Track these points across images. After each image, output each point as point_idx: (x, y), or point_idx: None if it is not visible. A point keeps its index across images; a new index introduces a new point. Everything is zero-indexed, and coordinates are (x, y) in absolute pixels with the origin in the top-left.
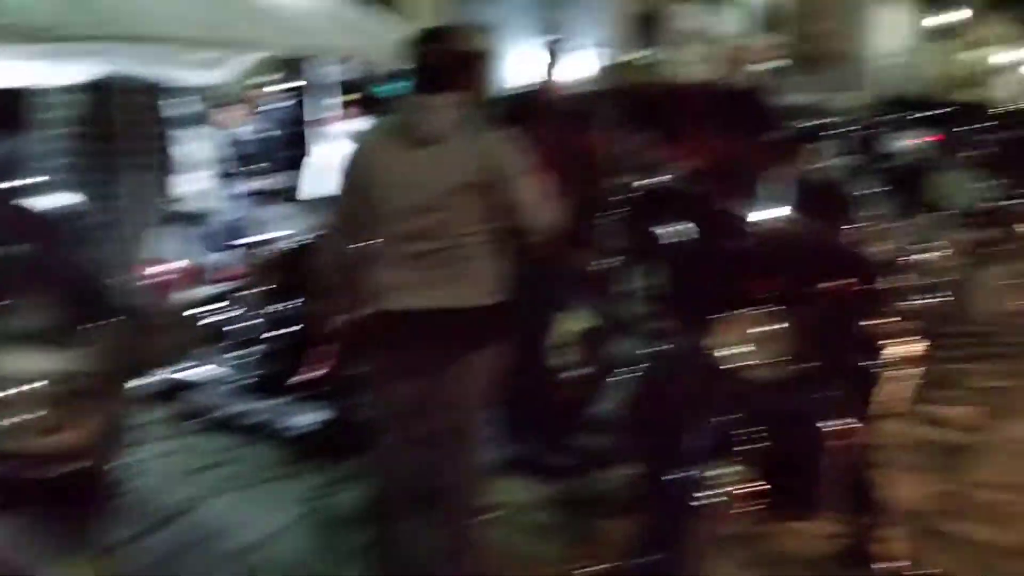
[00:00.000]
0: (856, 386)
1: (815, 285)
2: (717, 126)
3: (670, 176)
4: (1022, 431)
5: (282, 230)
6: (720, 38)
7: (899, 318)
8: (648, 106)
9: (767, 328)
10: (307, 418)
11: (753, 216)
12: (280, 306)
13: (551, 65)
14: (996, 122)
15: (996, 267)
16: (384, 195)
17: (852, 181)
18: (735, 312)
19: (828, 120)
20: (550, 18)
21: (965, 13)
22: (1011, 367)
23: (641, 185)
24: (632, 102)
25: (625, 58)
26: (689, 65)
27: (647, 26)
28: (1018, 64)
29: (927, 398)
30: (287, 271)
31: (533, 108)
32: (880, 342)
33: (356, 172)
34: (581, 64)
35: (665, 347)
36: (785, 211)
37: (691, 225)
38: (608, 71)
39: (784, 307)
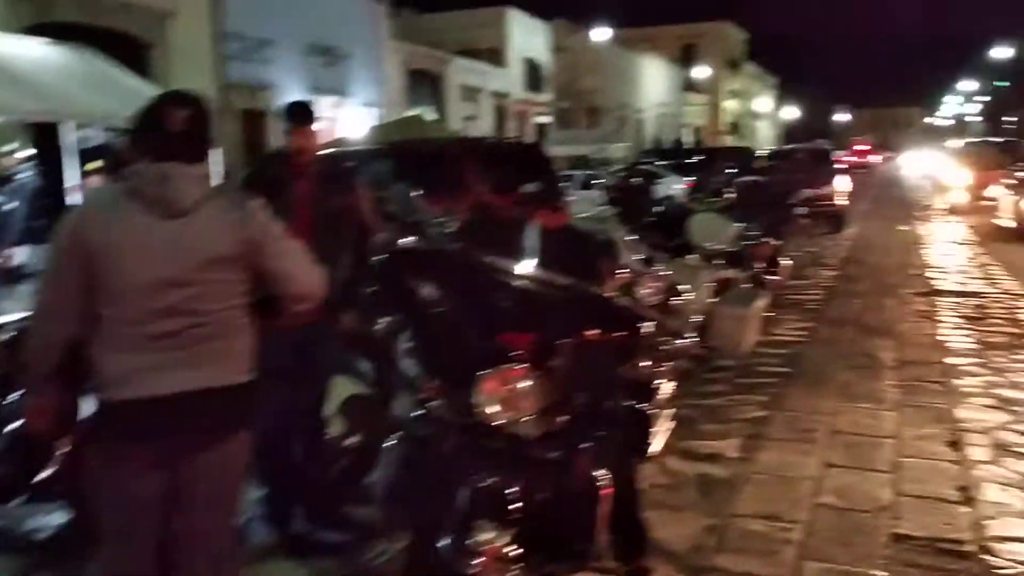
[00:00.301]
0: (624, 430)
1: (575, 336)
2: (490, 179)
3: (432, 234)
4: (779, 459)
5: (11, 312)
6: (496, 94)
7: (661, 360)
8: (421, 162)
9: (531, 382)
10: (43, 521)
11: (515, 269)
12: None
13: (302, 126)
14: (745, 166)
15: (745, 303)
16: (116, 269)
17: (615, 228)
18: (499, 368)
19: (596, 170)
20: (323, 77)
21: (715, 67)
22: (766, 398)
23: (403, 244)
24: (405, 158)
25: (401, 115)
26: (465, 120)
27: (423, 83)
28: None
29: (690, 435)
30: (7, 359)
31: (290, 170)
32: (644, 385)
33: (76, 244)
34: (355, 122)
35: (431, 409)
36: (546, 262)
37: (451, 282)
38: (382, 128)
39: (546, 359)
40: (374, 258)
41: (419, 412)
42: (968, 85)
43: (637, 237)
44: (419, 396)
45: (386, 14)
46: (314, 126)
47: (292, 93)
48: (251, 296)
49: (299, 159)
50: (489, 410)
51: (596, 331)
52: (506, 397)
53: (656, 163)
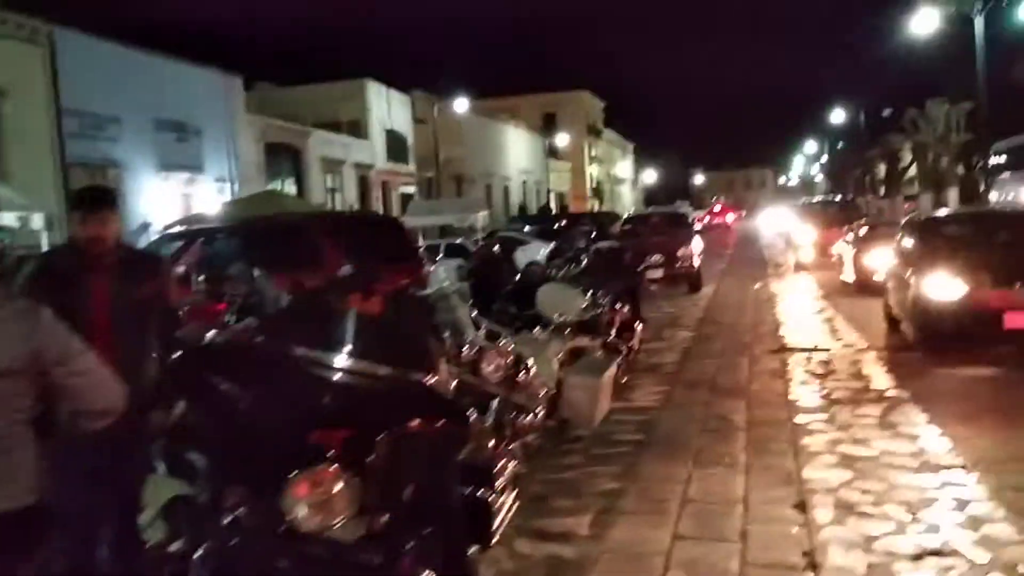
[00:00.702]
0: (458, 522)
1: (394, 429)
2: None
3: (241, 325)
4: (630, 534)
5: None
6: (359, 165)
7: (505, 439)
8: (272, 238)
9: (345, 482)
10: None
11: (330, 360)
12: None
13: (97, 212)
14: (605, 231)
15: (595, 372)
16: None
17: (460, 303)
18: (310, 469)
19: (458, 240)
20: (174, 153)
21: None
22: (619, 468)
23: (199, 339)
24: (254, 235)
25: (257, 190)
26: (328, 192)
27: (282, 156)
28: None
29: (541, 513)
30: None
31: (83, 263)
32: (482, 470)
33: None
34: (209, 198)
35: (238, 517)
36: (367, 351)
37: (256, 378)
38: (236, 204)
39: (362, 456)
40: (171, 357)
41: (226, 519)
42: (812, 147)
43: (494, 308)
44: (225, 503)
45: (241, 88)
46: (111, 212)
47: (141, 171)
48: (37, 411)
49: (94, 250)
50: (300, 515)
51: (417, 422)
52: (318, 500)
53: (522, 229)
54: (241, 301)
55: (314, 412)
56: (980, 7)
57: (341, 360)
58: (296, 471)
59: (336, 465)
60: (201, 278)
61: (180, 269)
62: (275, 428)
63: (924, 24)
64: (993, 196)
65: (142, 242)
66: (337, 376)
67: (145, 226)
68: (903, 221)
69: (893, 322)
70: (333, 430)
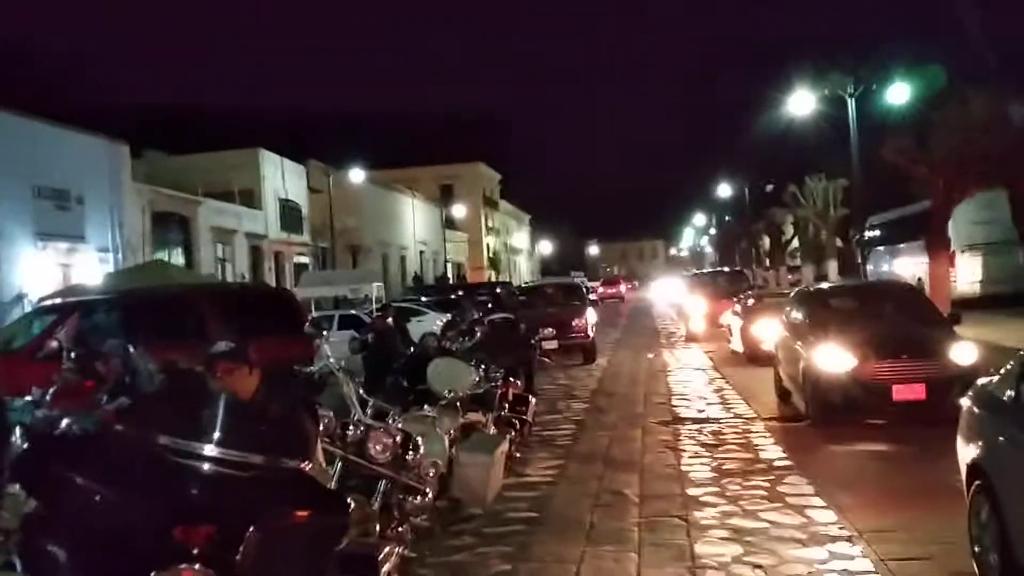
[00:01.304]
0: None
1: (264, 522)
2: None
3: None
4: None
5: None
6: (251, 235)
7: (389, 525)
8: (153, 311)
9: None
10: None
11: (196, 448)
12: None
13: None
14: (500, 301)
15: (486, 449)
16: None
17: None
18: (171, 569)
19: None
20: (54, 221)
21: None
22: (511, 548)
23: (64, 427)
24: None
25: (142, 261)
26: (218, 263)
27: (171, 226)
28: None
29: None
30: None
31: None
32: (363, 558)
33: None
34: (90, 269)
35: None
36: (238, 436)
37: (114, 470)
38: (120, 275)
39: (229, 552)
40: (14, 449)
41: None
42: (701, 219)
43: (386, 382)
44: None
45: (128, 155)
46: None
47: (16, 239)
48: None
49: None
50: None
51: (291, 513)
52: None
53: (418, 300)
54: (114, 380)
55: (177, 506)
56: (852, 90)
57: (210, 448)
58: (157, 570)
59: (198, 564)
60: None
61: (52, 344)
62: (135, 524)
63: (801, 104)
64: (870, 268)
65: (15, 314)
66: (204, 466)
67: (19, 297)
68: (791, 293)
69: (784, 393)
70: (198, 525)
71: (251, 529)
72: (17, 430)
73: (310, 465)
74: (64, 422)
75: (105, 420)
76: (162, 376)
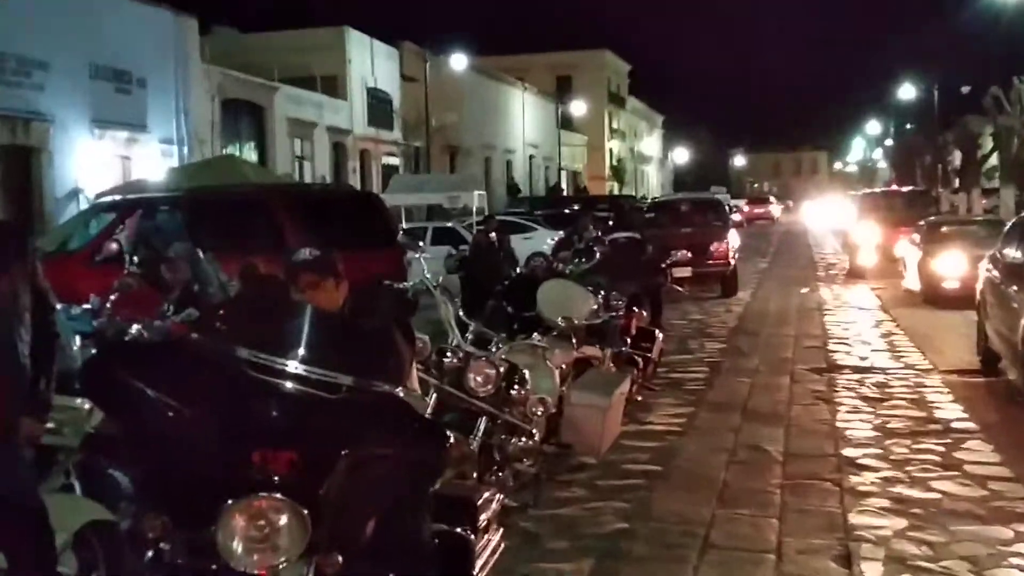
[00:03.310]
0: (430, 564)
1: (353, 452)
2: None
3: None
4: None
5: None
6: (334, 130)
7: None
8: (224, 213)
9: (291, 514)
10: None
11: (279, 364)
12: None
13: None
14: (623, 219)
15: (604, 389)
16: None
17: (443, 300)
18: (250, 496)
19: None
20: (113, 107)
21: (595, 103)
22: (628, 505)
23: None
24: (203, 209)
25: (211, 155)
26: (296, 161)
27: (243, 116)
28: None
29: (531, 556)
30: None
31: None
32: (462, 502)
33: None
34: (153, 162)
35: (161, 549)
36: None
37: (186, 384)
38: (185, 171)
39: (314, 483)
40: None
41: (149, 553)
42: (875, 127)
43: (487, 307)
44: (146, 535)
45: (196, 32)
46: None
47: (72, 127)
48: None
49: None
50: (237, 552)
51: (383, 444)
52: (259, 535)
53: (526, 214)
54: (181, 287)
55: (257, 428)
56: None
57: (294, 365)
58: (232, 499)
59: (278, 494)
60: (136, 259)
61: (112, 246)
62: (210, 446)
63: None
64: None
65: (70, 212)
66: (287, 385)
67: (75, 193)
68: (1011, 223)
69: (990, 356)
70: (279, 451)
71: (339, 457)
72: (76, 339)
73: (404, 392)
74: (134, 328)
75: (175, 330)
76: (238, 283)
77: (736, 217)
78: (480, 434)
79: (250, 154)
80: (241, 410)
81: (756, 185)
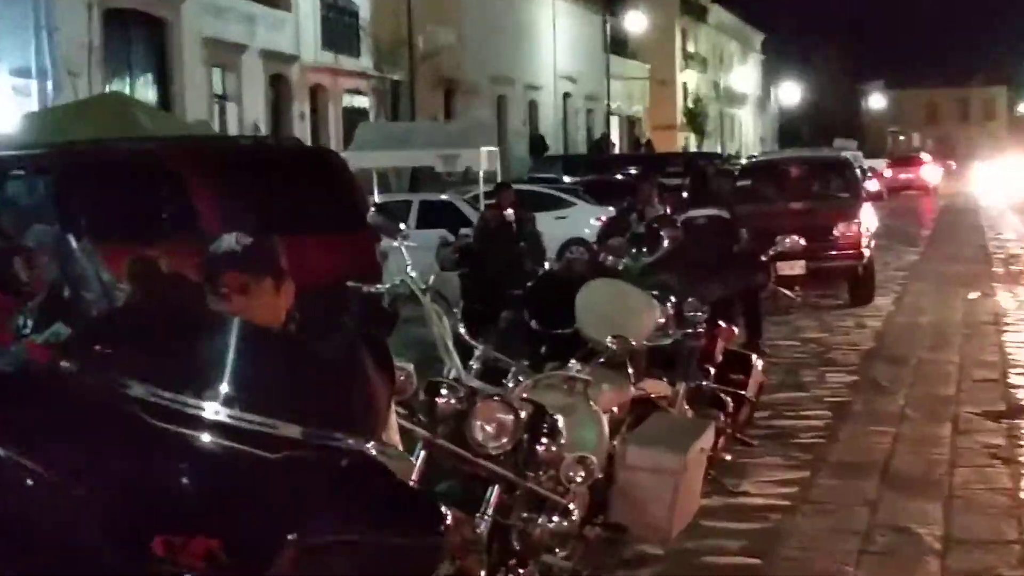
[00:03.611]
0: None
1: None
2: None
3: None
4: None
5: None
6: (272, 56)
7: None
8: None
9: None
10: None
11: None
12: None
13: None
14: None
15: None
16: None
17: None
18: None
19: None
20: None
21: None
22: None
23: None
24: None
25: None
26: (215, 102)
27: (134, 36)
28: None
29: None
30: None
31: None
32: None
33: None
34: None
35: None
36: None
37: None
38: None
39: None
40: None
41: None
42: None
43: (501, 319)
44: None
45: None
46: None
47: None
48: None
49: None
50: None
51: (346, 527)
52: None
53: (559, 181)
54: (46, 292)
55: (160, 503)
56: None
57: (213, 409)
58: None
59: None
60: None
61: None
62: (89, 530)
63: None
64: None
65: None
66: (203, 438)
67: None
68: None
69: None
70: (192, 536)
71: (280, 546)
72: None
73: (378, 447)
74: None
75: (35, 356)
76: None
77: (872, 185)
78: (491, 510)
79: (147, 92)
80: (135, 476)
81: (902, 138)
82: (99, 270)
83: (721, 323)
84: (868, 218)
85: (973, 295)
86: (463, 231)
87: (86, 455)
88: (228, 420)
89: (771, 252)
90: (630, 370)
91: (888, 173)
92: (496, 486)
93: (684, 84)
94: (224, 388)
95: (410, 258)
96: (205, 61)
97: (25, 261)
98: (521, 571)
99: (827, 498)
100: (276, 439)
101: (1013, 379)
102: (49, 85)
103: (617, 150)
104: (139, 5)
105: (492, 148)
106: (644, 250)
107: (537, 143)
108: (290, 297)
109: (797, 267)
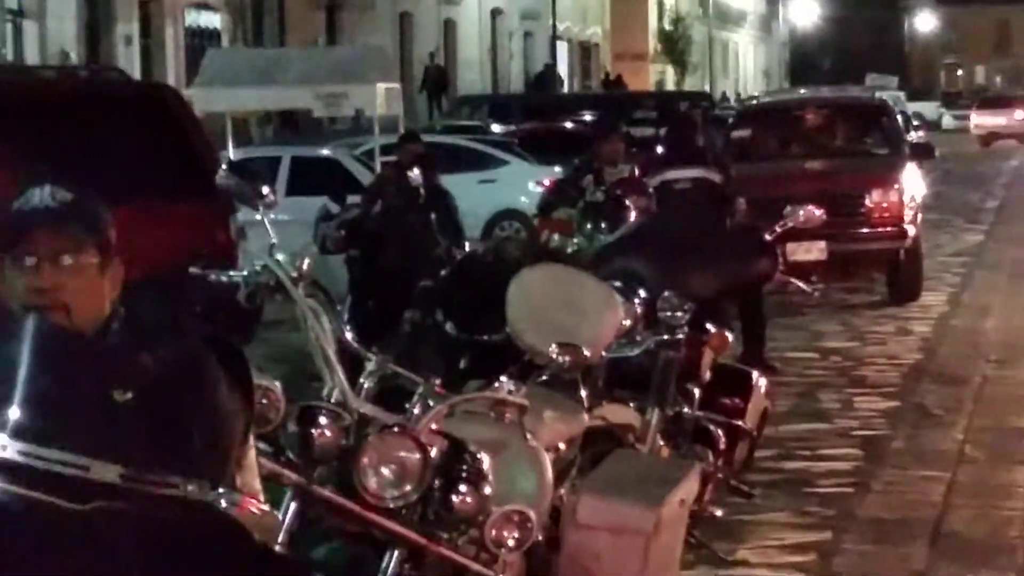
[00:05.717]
0: None
1: None
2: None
3: None
4: None
5: None
6: None
7: None
8: None
9: None
10: None
11: None
12: None
13: None
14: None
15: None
16: None
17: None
18: None
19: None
20: None
21: None
22: None
23: None
24: None
25: None
26: (2, 23)
27: None
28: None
29: None
30: None
31: None
32: None
33: None
34: None
35: None
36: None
37: None
38: None
39: None
40: None
41: None
42: None
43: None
44: None
45: None
46: None
47: None
48: None
49: None
50: None
51: None
52: None
53: (484, 131)
54: None
55: None
56: None
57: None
58: None
59: None
60: None
61: None
62: None
63: None
64: None
65: None
66: None
67: None
68: None
69: None
70: None
71: None
72: None
73: (228, 497)
74: None
75: None
76: None
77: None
78: None
79: None
80: None
81: (960, 72)
82: None
83: (709, 327)
84: (913, 184)
85: None
86: (351, 199)
87: None
88: (18, 458)
89: (778, 229)
90: (583, 392)
91: (976, 119)
92: (396, 551)
93: None
94: (13, 413)
95: (277, 236)
96: None
97: None
98: None
99: (857, 570)
100: (86, 484)
101: None
102: None
103: (566, 88)
104: None
105: (392, 85)
106: (603, 226)
107: (435, 77)
108: (117, 283)
109: (815, 250)
